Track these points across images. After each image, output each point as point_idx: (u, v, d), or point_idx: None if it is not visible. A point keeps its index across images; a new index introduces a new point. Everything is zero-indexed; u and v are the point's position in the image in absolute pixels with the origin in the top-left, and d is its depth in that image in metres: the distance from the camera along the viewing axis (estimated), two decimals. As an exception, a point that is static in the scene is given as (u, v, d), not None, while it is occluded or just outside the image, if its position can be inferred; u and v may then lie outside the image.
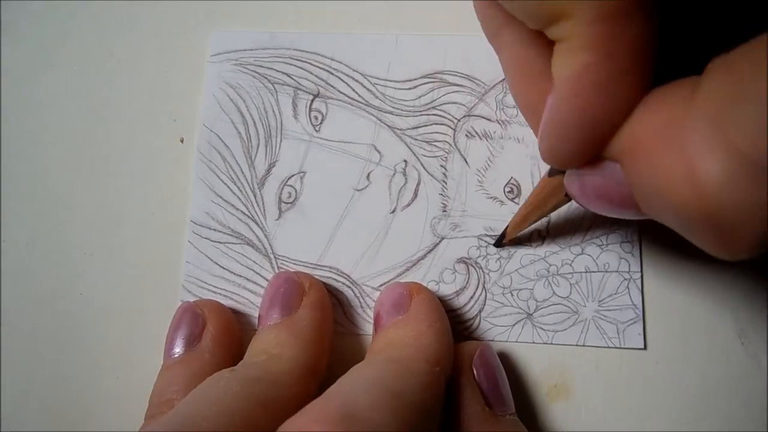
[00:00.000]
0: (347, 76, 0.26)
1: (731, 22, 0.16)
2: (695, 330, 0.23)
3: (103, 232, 0.25)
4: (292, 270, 0.24)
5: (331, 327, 0.23)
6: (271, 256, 0.25)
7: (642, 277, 0.23)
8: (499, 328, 0.23)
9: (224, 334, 0.22)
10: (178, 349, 0.22)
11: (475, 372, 0.21)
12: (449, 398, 0.20)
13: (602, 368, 0.23)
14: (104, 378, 0.24)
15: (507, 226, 0.23)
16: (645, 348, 0.23)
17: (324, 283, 0.23)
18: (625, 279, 0.23)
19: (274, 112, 0.26)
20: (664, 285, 0.23)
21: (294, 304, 0.22)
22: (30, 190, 0.26)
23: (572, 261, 0.24)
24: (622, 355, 0.23)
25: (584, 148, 0.16)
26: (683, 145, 0.13)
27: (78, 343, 0.25)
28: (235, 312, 0.24)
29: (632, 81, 0.15)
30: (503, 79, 0.25)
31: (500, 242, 0.24)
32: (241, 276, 0.24)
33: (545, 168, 0.24)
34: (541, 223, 0.24)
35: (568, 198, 0.19)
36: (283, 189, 0.25)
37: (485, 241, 0.24)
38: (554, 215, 0.24)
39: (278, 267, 0.24)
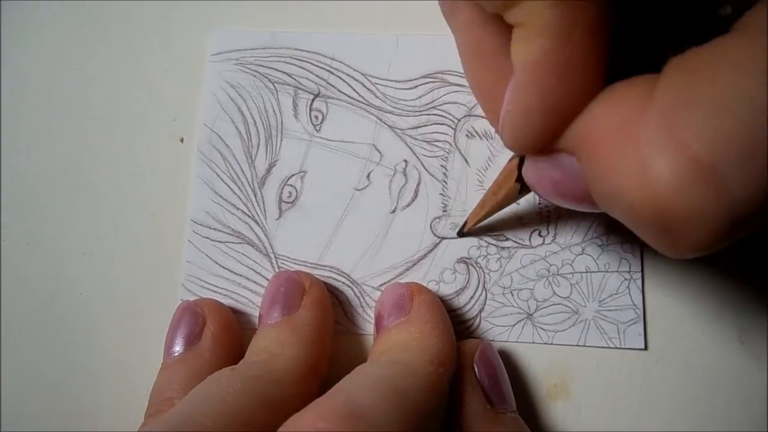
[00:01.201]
0: (348, 75, 0.26)
1: (691, 22, 0.16)
2: (695, 330, 0.23)
3: (103, 232, 0.25)
4: (292, 269, 0.24)
5: (332, 326, 0.23)
6: (272, 255, 0.25)
7: (643, 277, 0.23)
8: (500, 328, 0.23)
9: (224, 333, 0.22)
10: (178, 348, 0.22)
11: (476, 370, 0.21)
12: (451, 396, 0.20)
13: (602, 368, 0.23)
14: (104, 378, 0.24)
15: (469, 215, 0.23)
16: (645, 348, 0.23)
17: (324, 283, 0.23)
18: (626, 279, 0.23)
19: (274, 111, 0.26)
20: (664, 285, 0.23)
21: (294, 304, 0.22)
22: (30, 190, 0.26)
23: (573, 261, 0.24)
24: (622, 355, 0.23)
25: (544, 134, 0.16)
26: (637, 142, 0.13)
27: (78, 343, 0.24)
28: (235, 311, 0.24)
29: (590, 67, 0.14)
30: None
31: (462, 231, 0.24)
32: (241, 275, 0.24)
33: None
34: (540, 222, 0.24)
35: (518, 189, 0.20)
36: (283, 188, 0.25)
37: (486, 241, 0.24)
38: (555, 214, 0.24)
39: (278, 266, 0.24)
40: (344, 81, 0.26)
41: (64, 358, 0.24)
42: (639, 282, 0.23)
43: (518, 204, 0.24)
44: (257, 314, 0.23)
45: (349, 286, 0.24)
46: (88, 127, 0.26)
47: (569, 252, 0.24)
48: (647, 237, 0.15)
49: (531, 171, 0.18)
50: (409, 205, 0.25)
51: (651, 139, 0.13)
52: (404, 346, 0.20)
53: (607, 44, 0.15)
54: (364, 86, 0.26)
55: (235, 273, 0.25)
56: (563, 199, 0.17)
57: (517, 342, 0.23)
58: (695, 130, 0.12)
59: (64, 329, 0.25)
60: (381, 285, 0.24)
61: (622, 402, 0.23)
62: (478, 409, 0.20)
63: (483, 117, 0.25)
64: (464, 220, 0.24)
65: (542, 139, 0.16)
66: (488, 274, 0.24)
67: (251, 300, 0.24)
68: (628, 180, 0.13)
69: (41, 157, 0.26)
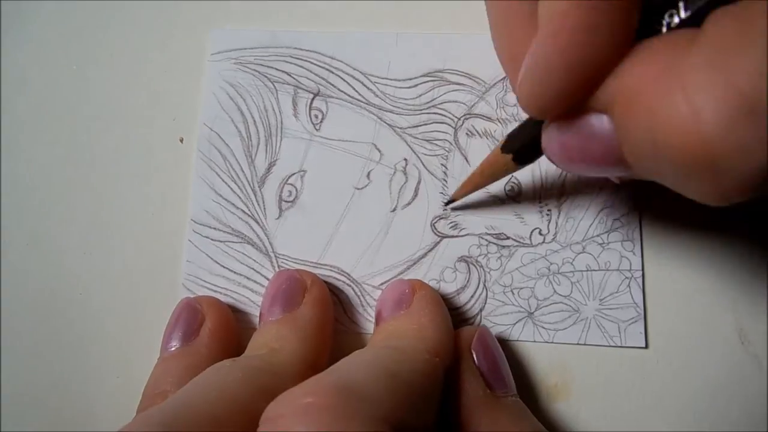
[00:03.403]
0: (347, 74, 0.26)
1: None
2: (696, 330, 0.23)
3: (102, 232, 0.25)
4: (293, 268, 0.24)
5: (332, 324, 0.23)
6: (272, 254, 0.25)
7: (643, 275, 0.23)
8: (500, 326, 0.23)
9: (222, 329, 0.22)
10: (175, 343, 0.22)
11: (474, 355, 0.21)
12: (450, 383, 0.20)
13: (602, 367, 0.23)
14: (104, 378, 0.24)
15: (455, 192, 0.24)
16: (646, 347, 0.23)
17: (325, 281, 0.23)
18: (627, 277, 0.23)
19: (274, 110, 0.26)
20: (665, 284, 0.23)
21: (295, 301, 0.22)
22: (30, 190, 0.26)
23: (573, 259, 0.23)
24: (622, 354, 0.23)
25: (568, 92, 0.15)
26: (683, 87, 0.13)
27: (78, 343, 0.24)
28: (235, 310, 0.24)
29: (620, 21, 0.14)
30: (504, 78, 0.25)
31: (450, 201, 0.24)
32: (241, 275, 0.24)
33: (546, 167, 0.24)
34: (541, 220, 0.24)
35: (508, 162, 0.20)
36: (283, 188, 0.25)
37: (486, 240, 0.24)
38: (556, 212, 0.24)
39: (279, 266, 0.24)
40: (344, 80, 0.26)
41: (64, 357, 0.24)
42: (640, 280, 0.23)
43: (518, 202, 0.24)
44: (257, 313, 0.23)
45: (350, 285, 0.24)
46: (88, 127, 0.26)
47: (570, 250, 0.24)
48: (690, 184, 0.15)
49: (552, 139, 0.17)
50: (409, 203, 0.25)
51: (699, 82, 0.13)
52: (401, 335, 0.20)
53: (638, 3, 0.15)
54: (364, 85, 0.26)
55: (235, 272, 0.24)
56: (588, 165, 0.17)
57: (517, 341, 0.23)
58: (745, 69, 0.13)
59: (64, 329, 0.25)
60: (381, 284, 0.24)
61: (622, 402, 0.23)
62: (477, 394, 0.20)
63: (483, 116, 0.25)
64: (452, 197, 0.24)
65: (563, 99, 0.16)
66: (489, 272, 0.24)
67: (251, 299, 0.24)
68: (674, 125, 0.13)
69: (41, 157, 0.26)
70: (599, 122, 0.16)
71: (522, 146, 0.20)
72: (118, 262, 0.25)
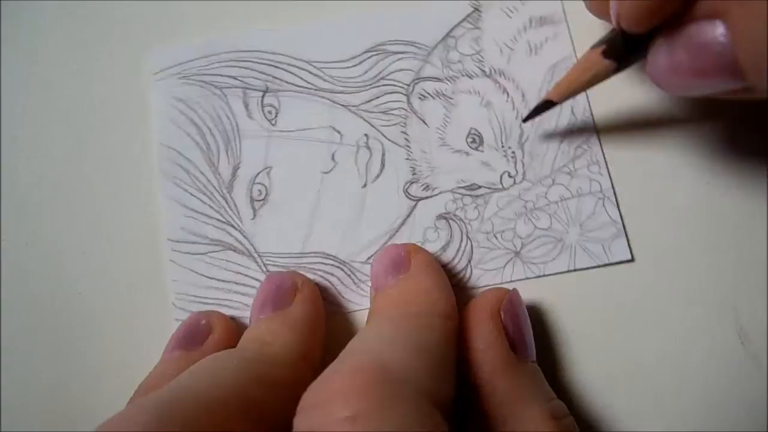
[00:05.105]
0: (292, 66, 0.26)
1: None
2: (695, 330, 0.23)
3: (102, 232, 0.25)
4: (283, 270, 0.24)
5: (323, 322, 0.23)
6: (255, 255, 0.24)
7: (615, 192, 0.24)
8: (491, 272, 0.24)
9: (226, 342, 0.22)
10: (178, 351, 0.22)
11: (502, 316, 0.21)
12: (475, 341, 0.20)
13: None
14: (104, 378, 0.24)
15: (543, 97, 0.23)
16: (633, 259, 0.23)
17: (313, 269, 0.23)
18: (599, 198, 0.24)
19: (227, 115, 0.26)
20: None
21: (287, 301, 0.22)
22: (30, 190, 0.26)
23: (546, 193, 0.24)
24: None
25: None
26: None
27: (77, 344, 0.24)
28: (231, 318, 0.24)
29: None
30: (443, 39, 0.26)
31: (533, 115, 0.24)
32: (229, 282, 0.24)
33: (501, 115, 0.25)
34: (507, 163, 0.24)
35: (613, 67, 0.20)
36: (252, 188, 0.25)
37: (459, 194, 0.24)
38: (519, 152, 0.24)
39: (264, 265, 0.24)
40: (289, 72, 0.26)
41: (63, 357, 0.24)
42: (612, 198, 0.24)
43: (482, 151, 0.25)
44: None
45: (339, 267, 0.24)
46: (88, 127, 0.26)
47: (541, 185, 0.24)
48: None
49: (659, 56, 0.17)
50: (378, 176, 0.25)
51: None
52: (411, 302, 0.20)
53: None
54: (310, 73, 0.26)
55: (223, 281, 0.24)
56: (698, 78, 0.16)
57: (510, 281, 0.23)
58: None
59: (64, 329, 0.24)
60: (368, 258, 0.24)
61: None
62: (503, 354, 0.20)
63: (431, 78, 0.25)
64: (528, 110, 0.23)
65: (665, 4, 0.15)
66: (469, 223, 0.24)
67: (244, 303, 0.24)
68: None
69: (41, 158, 0.26)
70: (712, 29, 0.15)
71: (627, 56, 0.19)
72: (117, 261, 0.25)
